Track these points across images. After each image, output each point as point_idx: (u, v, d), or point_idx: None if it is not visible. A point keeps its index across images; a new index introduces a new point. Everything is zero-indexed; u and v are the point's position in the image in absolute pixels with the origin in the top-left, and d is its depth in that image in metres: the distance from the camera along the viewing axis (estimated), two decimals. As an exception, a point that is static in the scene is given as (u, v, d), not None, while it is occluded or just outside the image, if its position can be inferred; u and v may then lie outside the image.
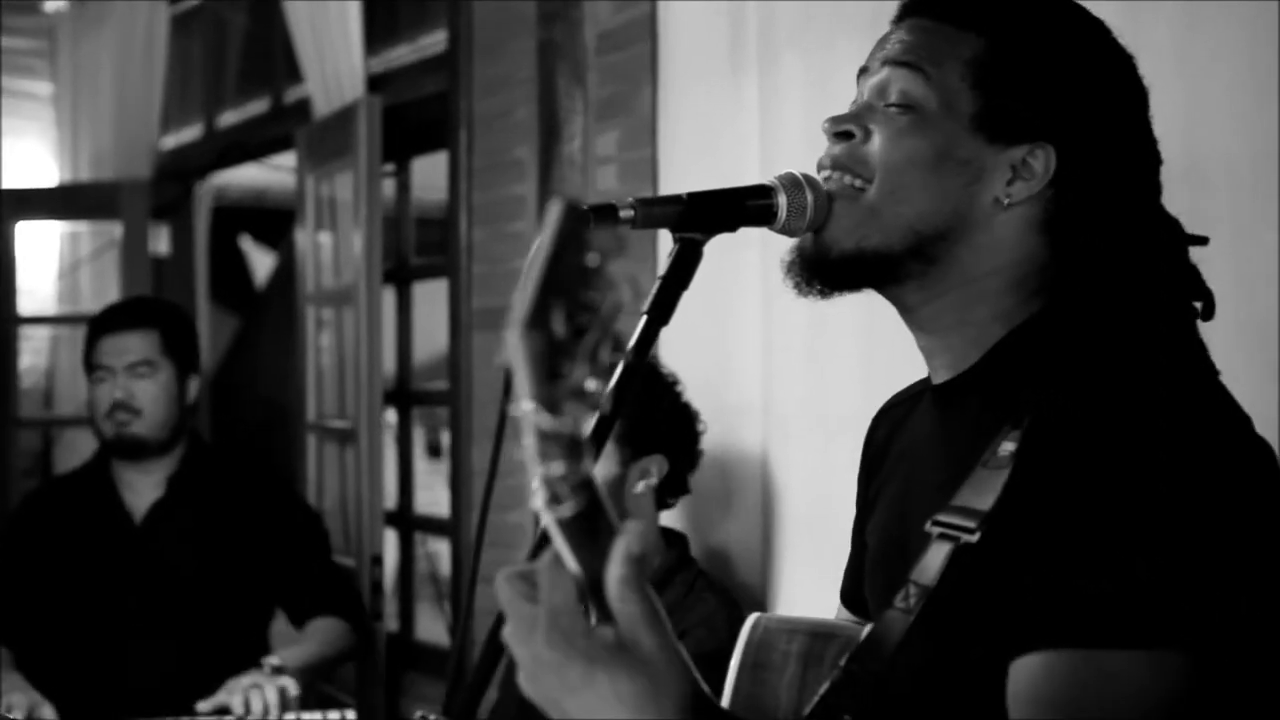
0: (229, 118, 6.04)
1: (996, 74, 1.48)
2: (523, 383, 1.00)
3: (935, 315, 1.52)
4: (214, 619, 3.65)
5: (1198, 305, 1.50)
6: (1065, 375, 1.40)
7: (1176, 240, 1.52)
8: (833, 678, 1.43)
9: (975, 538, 1.36)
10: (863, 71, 1.56)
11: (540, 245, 1.00)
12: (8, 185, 6.11)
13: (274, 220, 6.95)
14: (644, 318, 1.44)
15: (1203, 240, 1.54)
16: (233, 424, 6.44)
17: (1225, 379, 1.43)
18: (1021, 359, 1.48)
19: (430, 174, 5.04)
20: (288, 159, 5.27)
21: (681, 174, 3.30)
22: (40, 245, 6.27)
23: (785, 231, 1.52)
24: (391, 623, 5.13)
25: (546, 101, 3.74)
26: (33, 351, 6.31)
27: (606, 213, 1.45)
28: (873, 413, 1.78)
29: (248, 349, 7.03)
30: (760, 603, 2.97)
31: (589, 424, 1.03)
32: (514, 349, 0.99)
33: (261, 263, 7.77)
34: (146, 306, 3.92)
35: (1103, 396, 1.35)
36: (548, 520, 1.08)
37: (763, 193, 1.51)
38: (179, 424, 3.73)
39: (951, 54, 1.49)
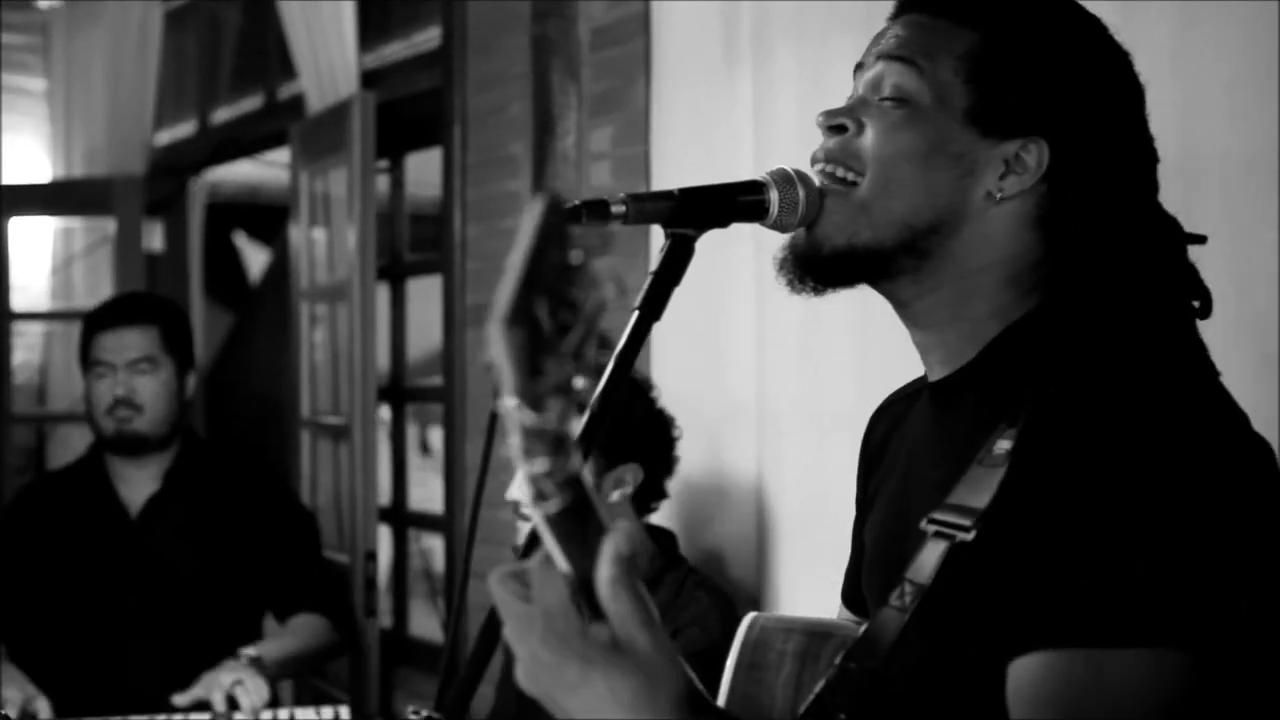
0: (223, 114, 6.03)
1: (990, 68, 1.48)
2: (505, 379, 0.99)
3: (929, 310, 1.52)
4: (209, 613, 3.65)
5: (1196, 304, 1.50)
6: (1062, 372, 1.40)
7: (1174, 238, 1.52)
8: (828, 675, 1.42)
9: (971, 536, 1.36)
10: (858, 67, 1.56)
11: (523, 241, 0.99)
12: (1, 181, 6.10)
13: (268, 216, 6.94)
14: (636, 313, 1.43)
15: (1200, 239, 1.54)
16: (227, 420, 6.43)
17: (1223, 377, 1.43)
18: (1018, 356, 1.48)
19: (424, 170, 5.04)
20: (282, 155, 5.27)
21: (675, 170, 3.29)
22: (33, 241, 6.26)
23: (777, 227, 1.52)
24: (385, 618, 5.13)
25: (540, 97, 3.73)
26: (26, 347, 6.30)
27: (599, 208, 1.45)
28: (866, 410, 1.78)
29: (242, 345, 7.02)
30: (754, 601, 2.97)
31: (577, 421, 1.03)
32: (496, 345, 0.99)
33: (255, 259, 7.76)
34: (146, 303, 3.93)
35: (1100, 394, 1.35)
36: (535, 518, 1.08)
37: (754, 188, 1.51)
38: (178, 420, 3.74)
39: (946, 48, 1.49)
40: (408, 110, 4.64)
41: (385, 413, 5.44)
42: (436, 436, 7.25)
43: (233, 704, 3.20)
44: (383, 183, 5.03)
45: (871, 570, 1.62)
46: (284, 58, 5.02)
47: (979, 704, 1.36)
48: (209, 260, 6.48)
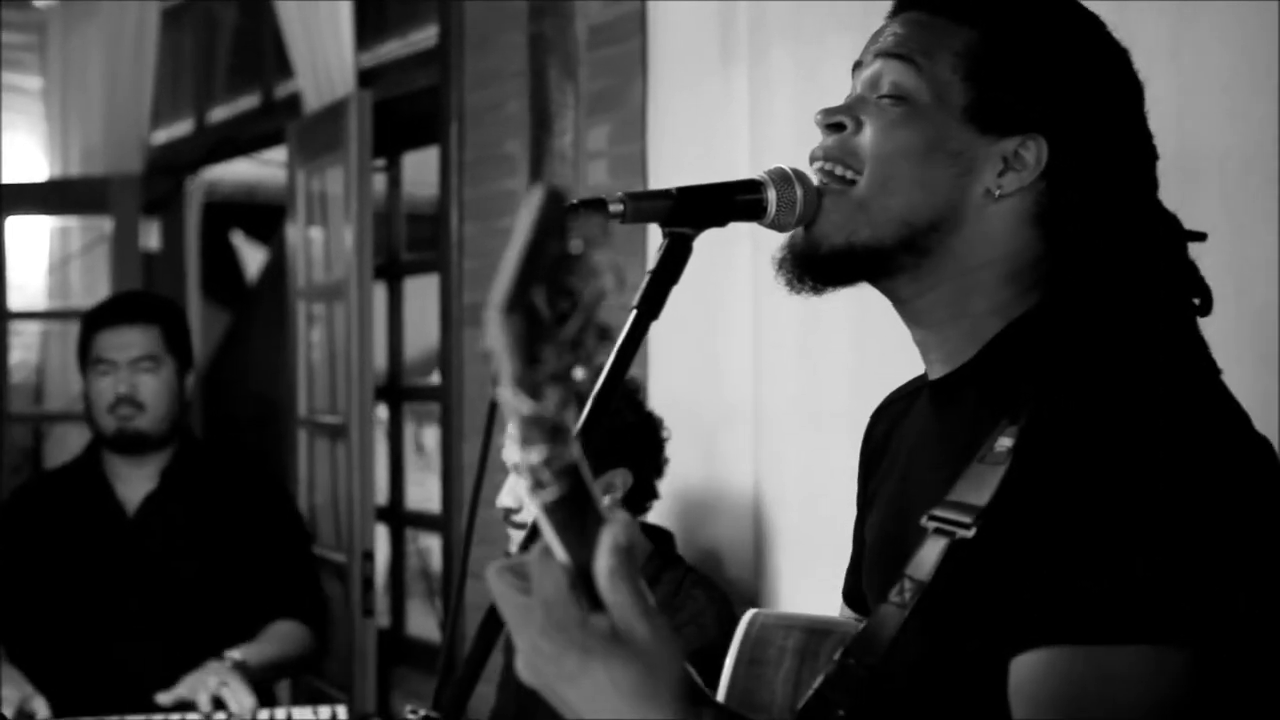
0: (220, 113, 6.03)
1: (989, 65, 1.48)
2: (503, 367, 0.99)
3: (929, 308, 1.52)
4: (205, 611, 3.65)
5: (1196, 301, 1.50)
6: (1063, 370, 1.40)
7: (1174, 235, 1.52)
8: (827, 671, 1.42)
9: (971, 533, 1.36)
10: (857, 65, 1.56)
11: (521, 231, 0.99)
12: (-2, 180, 6.11)
13: (265, 215, 6.93)
14: (633, 312, 1.43)
15: (1201, 236, 1.54)
16: (224, 419, 6.43)
17: (1223, 376, 1.43)
18: (1018, 354, 1.47)
19: (421, 169, 5.04)
20: (279, 154, 5.26)
21: (672, 168, 3.29)
22: (30, 240, 6.26)
23: (775, 226, 1.52)
24: (383, 618, 5.13)
25: (537, 96, 3.73)
26: (23, 347, 6.30)
27: (596, 207, 1.45)
28: (864, 409, 1.78)
29: (239, 344, 7.01)
30: (752, 599, 2.97)
31: (575, 411, 1.02)
32: (494, 333, 0.98)
33: (252, 258, 7.76)
34: (147, 302, 3.94)
35: (1101, 392, 1.34)
36: (534, 507, 1.07)
37: (752, 187, 1.51)
38: (177, 420, 3.75)
39: (944, 46, 1.49)
40: (405, 109, 4.64)
41: (382, 412, 5.44)
42: (430, 436, 7.24)
43: (218, 704, 3.20)
44: (380, 181, 5.03)
45: (872, 568, 1.62)
46: (281, 56, 5.02)
47: (977, 701, 1.36)
48: (206, 259, 6.48)
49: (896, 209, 1.48)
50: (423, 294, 5.13)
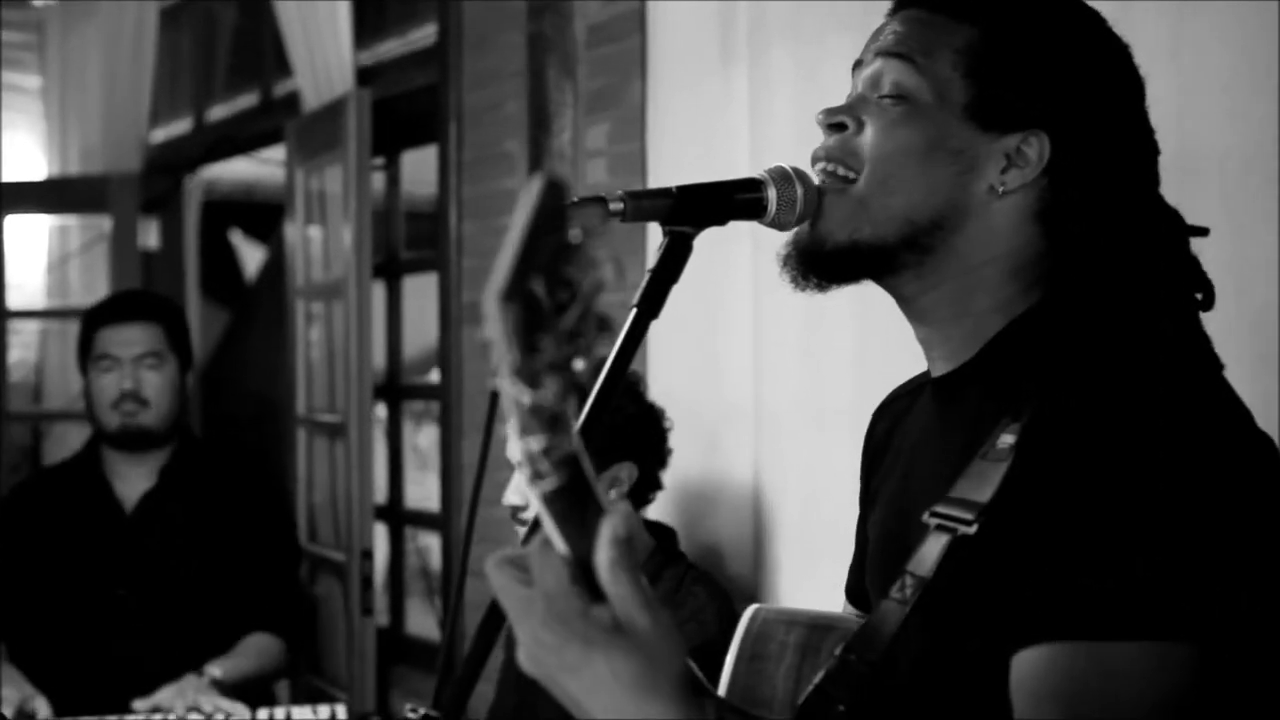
0: (218, 111, 6.03)
1: (989, 62, 1.48)
2: (500, 356, 0.99)
3: (933, 306, 1.52)
4: (202, 609, 3.65)
5: (1198, 296, 1.50)
6: (1065, 367, 1.40)
7: (1176, 230, 1.52)
8: (828, 667, 1.43)
9: (973, 530, 1.36)
10: (857, 64, 1.56)
11: (519, 220, 0.99)
12: (-4, 179, 6.10)
13: (264, 214, 6.92)
14: (633, 311, 1.43)
15: (1203, 231, 1.54)
16: (223, 418, 6.42)
17: (1225, 369, 1.43)
18: (1021, 351, 1.48)
19: (420, 168, 5.03)
20: (277, 153, 5.26)
21: (671, 167, 3.29)
22: (29, 239, 6.25)
23: (775, 225, 1.52)
24: (382, 617, 5.13)
25: (536, 95, 3.73)
26: (21, 345, 6.29)
27: (596, 205, 1.45)
28: (864, 407, 1.78)
29: (238, 343, 7.01)
30: (752, 597, 2.97)
31: (573, 401, 1.02)
32: (492, 322, 0.98)
33: (251, 256, 7.75)
34: (149, 300, 3.97)
35: (1103, 389, 1.35)
36: (533, 497, 1.07)
37: (752, 186, 1.51)
38: (178, 418, 3.76)
39: (944, 44, 1.49)
40: (403, 107, 4.64)
41: (381, 411, 5.44)
42: (424, 435, 7.24)
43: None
44: (378, 180, 5.03)
45: (874, 564, 1.63)
46: (279, 55, 5.01)
47: (978, 697, 1.36)
48: (205, 258, 6.48)
49: (899, 207, 1.48)
50: (421, 292, 5.13)
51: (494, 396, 1.37)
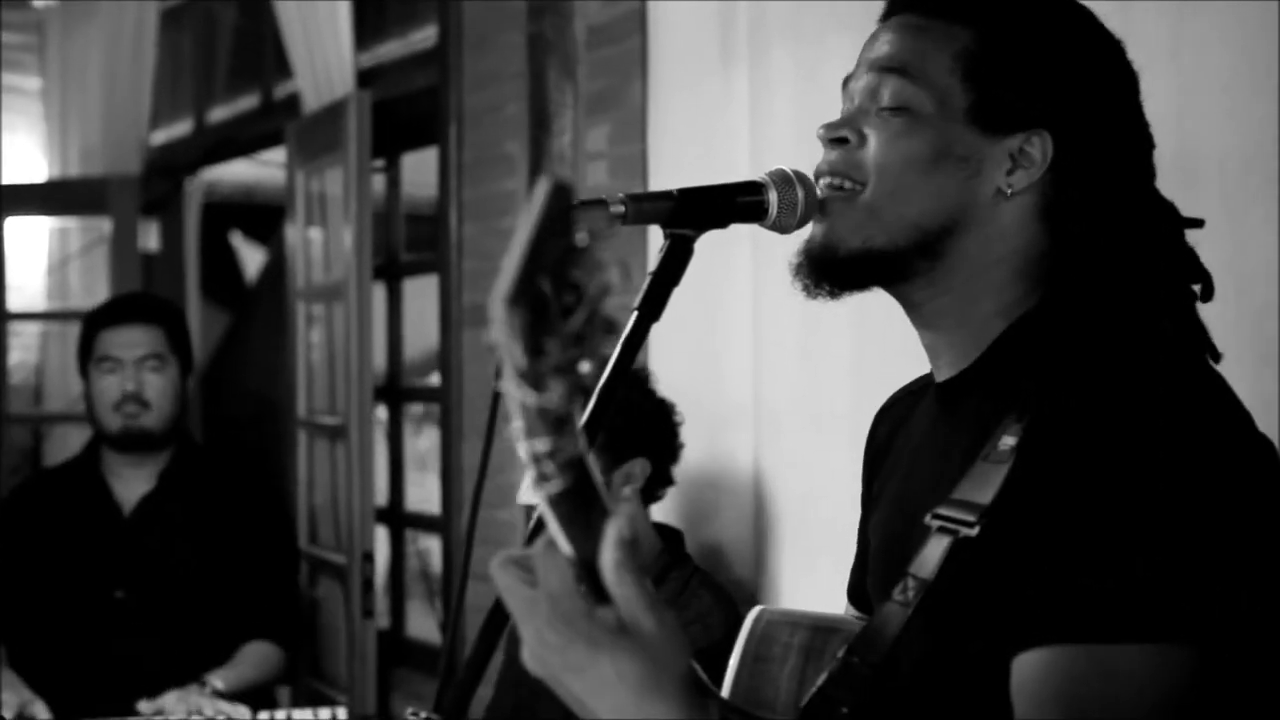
0: (219, 113, 6.02)
1: (988, 65, 1.48)
2: (506, 359, 0.99)
3: (941, 311, 1.52)
4: (201, 612, 3.66)
5: (1196, 288, 1.50)
6: (1066, 368, 1.40)
7: (1172, 223, 1.52)
8: (831, 669, 1.43)
9: (974, 531, 1.36)
10: (849, 78, 1.55)
11: (526, 223, 0.99)
12: (-4, 181, 6.10)
13: (264, 216, 6.92)
14: (634, 314, 1.43)
15: (1198, 223, 1.54)
16: (223, 419, 6.42)
17: (1222, 372, 1.43)
18: (1022, 352, 1.48)
19: (420, 169, 5.03)
20: (278, 154, 5.26)
21: (672, 169, 3.29)
22: (29, 241, 6.25)
23: (776, 228, 1.52)
24: (383, 619, 5.12)
25: (536, 96, 3.73)
26: (22, 348, 6.29)
27: (597, 208, 1.45)
28: (864, 409, 1.78)
29: (238, 345, 7.01)
30: (753, 598, 2.97)
31: (579, 405, 1.02)
32: (498, 324, 0.98)
33: (252, 258, 7.75)
34: (151, 303, 3.98)
35: (1104, 390, 1.35)
36: (538, 499, 1.08)
37: (753, 189, 1.51)
38: (178, 421, 3.77)
39: (940, 50, 1.49)
40: (404, 109, 4.64)
41: (382, 413, 5.44)
42: (426, 439, 7.23)
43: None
44: (379, 182, 5.02)
45: (876, 567, 1.63)
46: (280, 57, 5.01)
47: (980, 699, 1.36)
48: (205, 260, 6.47)
49: (910, 215, 1.48)
50: (422, 294, 5.13)
51: (495, 399, 1.37)
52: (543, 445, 1.03)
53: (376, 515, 4.63)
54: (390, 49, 4.81)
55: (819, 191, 1.51)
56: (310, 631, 4.46)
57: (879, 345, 2.58)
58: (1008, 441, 1.38)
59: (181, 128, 6.26)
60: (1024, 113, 1.47)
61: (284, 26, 4.75)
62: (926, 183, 1.47)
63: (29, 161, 6.46)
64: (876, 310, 1.60)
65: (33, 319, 6.30)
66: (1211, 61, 2.15)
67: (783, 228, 1.52)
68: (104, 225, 5.86)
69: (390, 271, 5.29)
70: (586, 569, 1.11)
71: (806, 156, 1.54)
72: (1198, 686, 1.27)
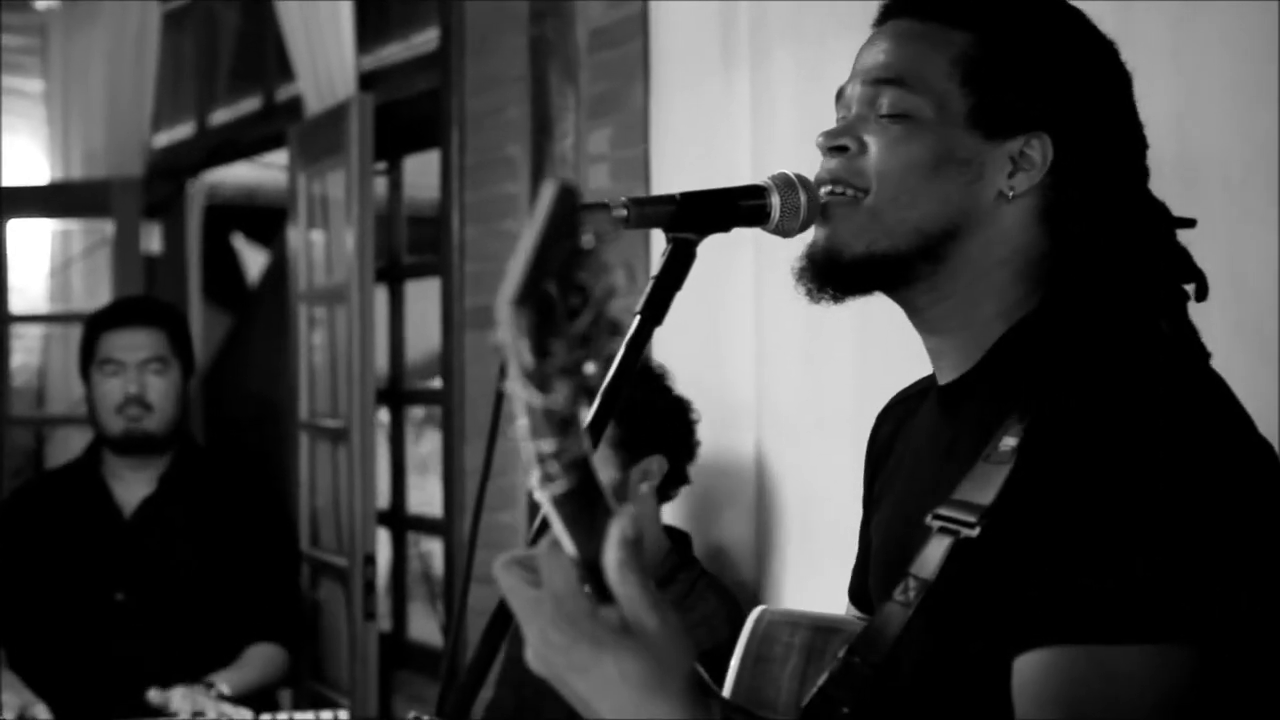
0: (221, 116, 6.02)
1: (987, 68, 1.48)
2: (512, 360, 1.00)
3: (944, 315, 1.52)
4: (201, 614, 3.66)
5: (1189, 288, 1.51)
6: (1066, 369, 1.40)
7: (1165, 223, 1.53)
8: (831, 669, 1.44)
9: (975, 532, 1.37)
10: (843, 86, 1.55)
11: (533, 225, 0.99)
12: (-1, 183, 6.10)
13: (266, 218, 6.93)
14: (637, 318, 1.44)
15: (1190, 223, 1.54)
16: (225, 422, 6.42)
17: (1223, 377, 1.43)
18: (1023, 354, 1.48)
19: (422, 172, 5.03)
20: (280, 157, 5.26)
21: (673, 171, 3.29)
22: (31, 243, 6.25)
23: (778, 232, 1.52)
24: (384, 622, 5.12)
25: (538, 99, 3.73)
26: (24, 350, 6.29)
27: (599, 211, 1.45)
28: (866, 413, 1.78)
29: (240, 347, 7.01)
30: (756, 600, 2.97)
31: (584, 407, 1.03)
32: (505, 326, 0.99)
33: (254, 261, 7.75)
34: (153, 306, 3.99)
35: (1104, 391, 1.35)
36: (543, 499, 1.08)
37: (756, 193, 1.51)
38: (180, 424, 3.77)
39: (937, 55, 1.49)
40: (406, 112, 4.64)
41: (384, 415, 5.44)
42: (426, 441, 7.23)
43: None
44: (381, 185, 5.03)
45: (877, 567, 1.63)
46: (282, 59, 5.02)
47: (981, 699, 1.37)
48: (207, 262, 6.47)
49: (912, 220, 1.48)
50: (424, 297, 5.13)
51: (498, 402, 1.38)
52: (548, 446, 1.04)
53: (378, 518, 4.64)
54: (392, 52, 4.81)
55: (821, 196, 1.52)
56: (312, 634, 4.46)
57: (881, 348, 2.58)
58: (1009, 442, 1.38)
59: (184, 130, 6.26)
60: (1024, 115, 1.48)
61: (286, 29, 4.75)
62: (929, 187, 1.47)
63: (31, 164, 6.46)
64: (879, 314, 1.60)
65: (35, 321, 6.30)
66: (1213, 63, 2.15)
67: (785, 231, 1.52)
68: (106, 227, 5.86)
69: (392, 274, 5.29)
70: (590, 569, 1.11)
71: (808, 158, 1.54)
72: (1198, 687, 1.28)
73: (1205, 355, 1.47)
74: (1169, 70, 2.15)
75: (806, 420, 2.90)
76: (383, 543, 4.94)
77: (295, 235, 4.94)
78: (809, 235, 1.53)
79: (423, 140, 4.79)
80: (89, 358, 3.76)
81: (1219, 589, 1.28)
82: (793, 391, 2.94)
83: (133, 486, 3.75)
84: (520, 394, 1.01)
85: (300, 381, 4.89)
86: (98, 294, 5.78)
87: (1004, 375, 1.48)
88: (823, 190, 1.51)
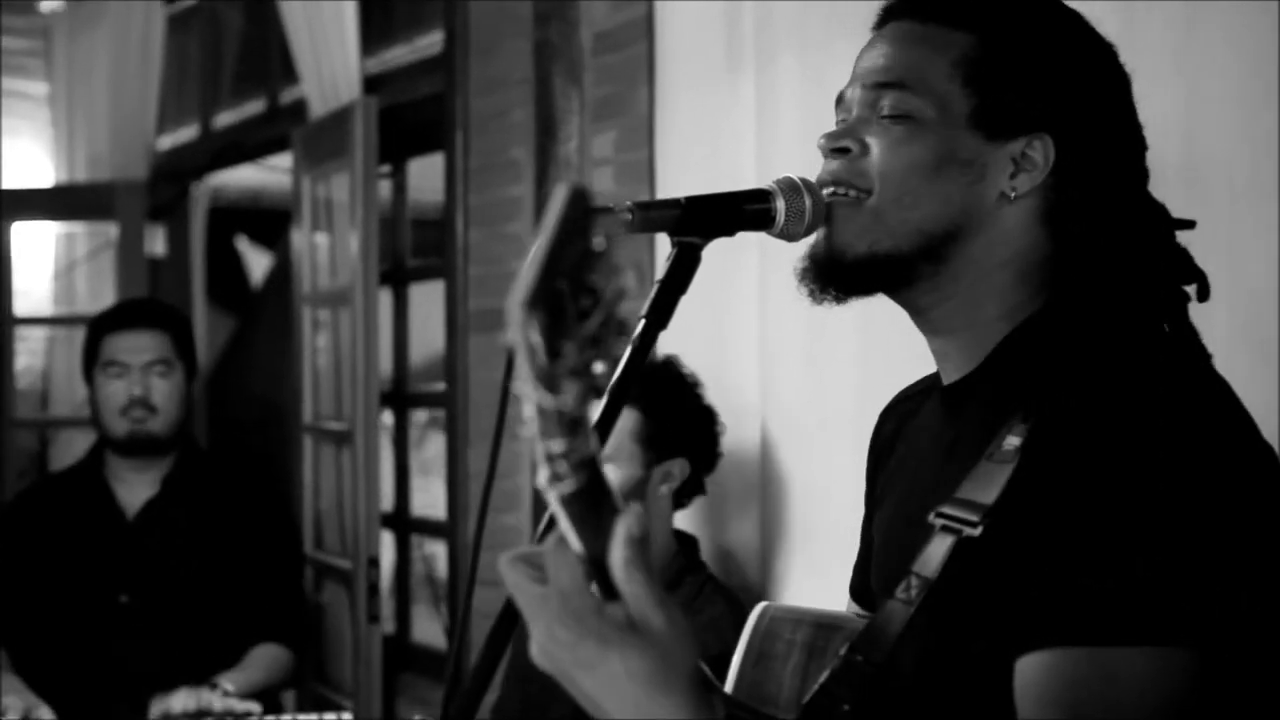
0: (225, 118, 6.03)
1: (989, 69, 1.48)
2: (522, 361, 1.00)
3: (947, 316, 1.53)
4: (204, 616, 3.66)
5: (1191, 289, 1.51)
6: (1069, 370, 1.41)
7: (1165, 224, 1.53)
8: (833, 666, 1.44)
9: (978, 531, 1.37)
10: (844, 90, 1.55)
11: (545, 228, 1.00)
12: (3, 185, 6.10)
13: (270, 221, 6.94)
14: (642, 322, 1.44)
15: (1190, 224, 1.55)
16: (229, 424, 6.43)
17: (1223, 378, 1.43)
18: (1026, 354, 1.48)
19: (426, 175, 5.03)
20: (284, 160, 5.26)
21: (678, 175, 3.30)
22: (36, 246, 6.25)
23: (783, 236, 1.52)
24: (388, 624, 5.13)
25: (543, 102, 3.73)
26: (28, 352, 6.29)
27: (604, 215, 1.45)
28: (870, 415, 1.78)
29: (244, 350, 7.02)
30: (759, 599, 2.97)
31: (593, 407, 1.04)
32: (516, 327, 0.99)
33: (258, 263, 7.75)
34: (157, 308, 4.00)
35: (1107, 392, 1.35)
36: (550, 498, 1.09)
37: (761, 197, 1.51)
38: (183, 426, 3.78)
39: (938, 56, 1.49)
40: (410, 115, 4.64)
41: (388, 418, 5.44)
42: (430, 443, 7.23)
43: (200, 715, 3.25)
44: (385, 188, 5.03)
45: (879, 564, 1.64)
46: (286, 62, 5.02)
47: (981, 698, 1.37)
48: (211, 265, 6.47)
49: (915, 220, 1.48)
50: (428, 300, 5.13)
51: (503, 405, 1.39)
52: (557, 446, 1.05)
53: (382, 520, 4.64)
54: (397, 55, 4.82)
55: (824, 198, 1.52)
56: (315, 636, 4.47)
57: (885, 350, 2.58)
58: (1012, 442, 1.38)
59: (188, 133, 6.27)
60: (1025, 116, 1.48)
61: (290, 32, 4.75)
62: (931, 188, 1.48)
63: (35, 166, 6.47)
64: (882, 315, 1.60)
65: (39, 324, 6.30)
66: (1215, 65, 2.15)
67: (790, 235, 1.52)
68: (110, 230, 5.87)
69: (396, 277, 5.29)
70: (596, 567, 1.12)
71: (812, 161, 1.54)
72: (1199, 689, 1.28)
73: (1206, 356, 1.47)
74: (1171, 72, 2.16)
75: (810, 421, 2.90)
76: (386, 545, 4.95)
77: (299, 238, 4.94)
78: (813, 238, 1.53)
79: (427, 143, 4.79)
80: (93, 360, 3.77)
81: (1220, 592, 1.28)
82: (797, 394, 2.94)
83: (136, 488, 3.75)
84: (530, 394, 1.02)
85: (304, 384, 4.89)
86: (102, 296, 5.78)
87: (1007, 376, 1.48)
88: (825, 191, 1.52)
